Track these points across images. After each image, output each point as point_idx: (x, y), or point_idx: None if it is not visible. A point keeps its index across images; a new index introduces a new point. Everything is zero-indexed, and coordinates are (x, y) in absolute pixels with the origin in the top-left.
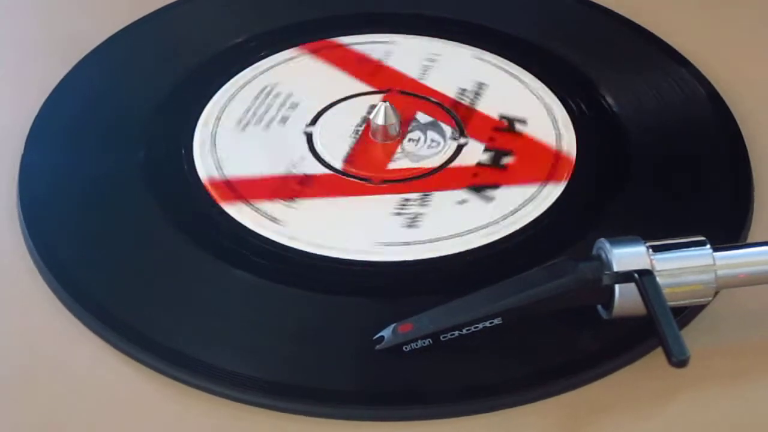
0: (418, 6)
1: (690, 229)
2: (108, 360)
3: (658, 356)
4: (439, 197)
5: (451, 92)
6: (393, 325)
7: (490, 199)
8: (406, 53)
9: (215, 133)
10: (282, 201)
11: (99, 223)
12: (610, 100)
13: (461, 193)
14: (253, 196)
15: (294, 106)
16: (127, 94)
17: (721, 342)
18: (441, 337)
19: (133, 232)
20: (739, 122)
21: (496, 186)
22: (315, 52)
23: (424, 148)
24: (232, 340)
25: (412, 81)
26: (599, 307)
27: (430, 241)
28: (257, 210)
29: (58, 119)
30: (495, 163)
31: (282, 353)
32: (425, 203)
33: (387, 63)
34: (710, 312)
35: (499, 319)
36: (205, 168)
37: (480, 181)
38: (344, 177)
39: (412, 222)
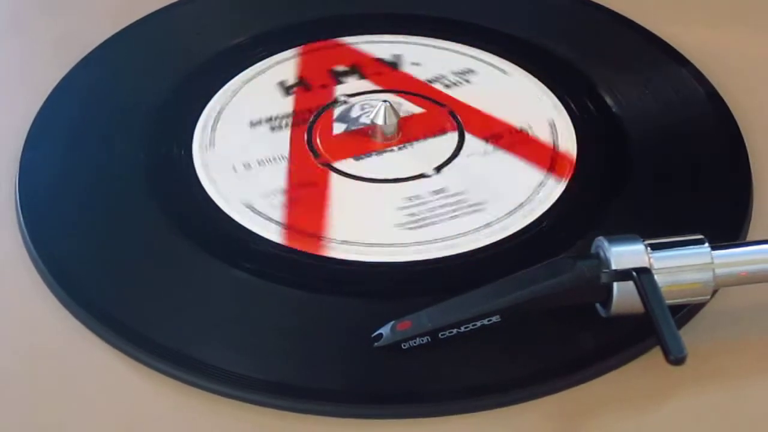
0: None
1: (689, 229)
2: (107, 359)
3: (656, 355)
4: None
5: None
6: (391, 323)
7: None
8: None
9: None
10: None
11: (98, 223)
12: (610, 100)
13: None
14: None
15: None
16: (127, 95)
17: (719, 341)
18: (439, 335)
19: (133, 231)
20: (738, 122)
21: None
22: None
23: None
24: (232, 340)
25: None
26: (598, 305)
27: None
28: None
29: (58, 119)
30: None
31: (281, 352)
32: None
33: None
34: (709, 311)
35: (498, 317)
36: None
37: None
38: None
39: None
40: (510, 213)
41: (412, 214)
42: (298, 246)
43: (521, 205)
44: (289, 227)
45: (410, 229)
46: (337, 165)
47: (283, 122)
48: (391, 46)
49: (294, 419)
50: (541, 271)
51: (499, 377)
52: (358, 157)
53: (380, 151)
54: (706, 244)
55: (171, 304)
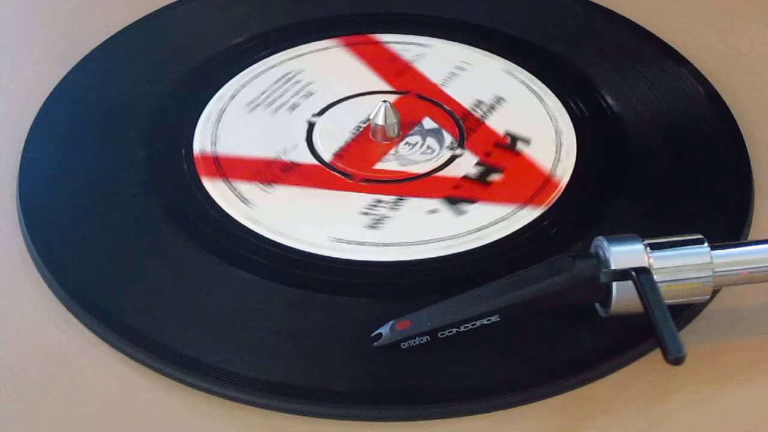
0: (457, 11)
1: (689, 229)
2: (107, 359)
3: (656, 356)
4: (411, 203)
5: (467, 102)
6: (391, 322)
7: (462, 212)
8: (438, 58)
9: (224, 109)
10: (259, 184)
11: (98, 222)
12: (610, 100)
13: (435, 203)
14: (233, 175)
15: (308, 94)
16: (127, 94)
17: (719, 341)
18: (439, 335)
19: (133, 231)
20: (739, 122)
21: (472, 201)
22: (350, 45)
23: (418, 153)
24: (233, 341)
25: (434, 86)
26: (597, 304)
27: (386, 245)
28: (233, 189)
29: (58, 119)
30: (481, 178)
31: (281, 353)
32: (396, 207)
33: (415, 65)
34: (709, 311)
35: (497, 316)
36: (200, 142)
37: (458, 194)
38: (327, 170)
39: (376, 224)
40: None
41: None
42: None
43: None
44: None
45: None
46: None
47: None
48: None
49: (293, 421)
50: (541, 270)
51: (499, 379)
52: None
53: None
54: (706, 244)
55: (171, 303)
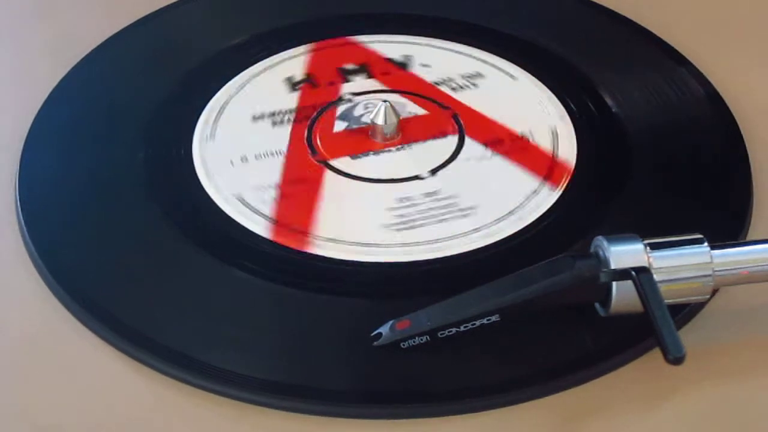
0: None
1: (690, 229)
2: (107, 359)
3: (656, 355)
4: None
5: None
6: (391, 322)
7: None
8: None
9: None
10: None
11: (98, 223)
12: (610, 100)
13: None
14: None
15: None
16: (127, 95)
17: (719, 341)
18: (438, 334)
19: (133, 231)
20: (739, 122)
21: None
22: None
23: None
24: (233, 341)
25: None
26: (597, 304)
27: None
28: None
29: (57, 119)
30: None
31: (281, 352)
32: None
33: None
34: (709, 311)
35: (497, 316)
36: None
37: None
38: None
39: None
40: (498, 219)
41: (401, 216)
42: (283, 242)
43: (512, 212)
44: (278, 222)
45: (397, 230)
46: (333, 163)
47: (286, 117)
48: (402, 46)
49: (293, 420)
50: (541, 270)
51: (499, 378)
52: (355, 155)
53: (378, 151)
54: (705, 244)
55: (171, 303)
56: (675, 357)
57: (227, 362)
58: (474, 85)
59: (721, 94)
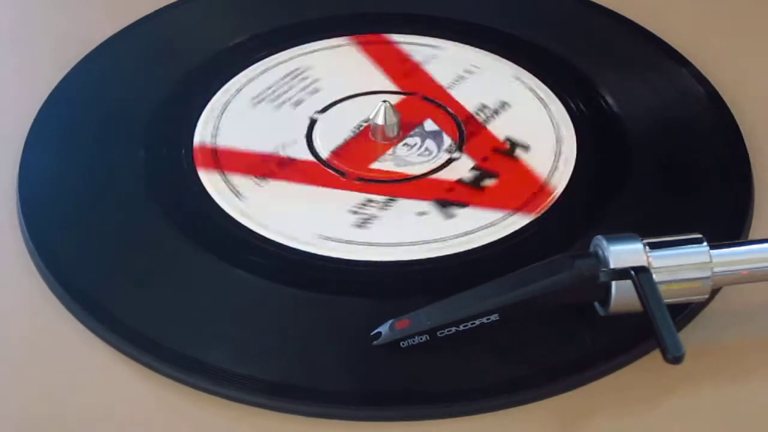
0: (468, 15)
1: (690, 229)
2: (107, 359)
3: (656, 356)
4: (402, 205)
5: (471, 106)
6: (390, 321)
7: (451, 216)
8: (448, 60)
9: (228, 102)
10: (253, 177)
11: (98, 222)
12: (610, 100)
13: (425, 205)
14: (229, 168)
15: (314, 91)
16: (127, 94)
17: (719, 340)
18: (438, 334)
19: (133, 232)
20: (739, 122)
21: (463, 205)
22: (362, 44)
23: (415, 154)
24: (233, 341)
25: (440, 89)
26: (596, 303)
27: (370, 244)
28: (227, 181)
29: (57, 119)
30: (475, 183)
31: (280, 353)
32: (386, 207)
33: (425, 67)
34: (709, 310)
35: (496, 315)
36: (201, 134)
37: (450, 197)
38: (322, 167)
39: (363, 223)
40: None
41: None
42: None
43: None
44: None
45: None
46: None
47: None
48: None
49: (293, 421)
50: (540, 269)
51: (497, 379)
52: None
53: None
54: (705, 243)
55: (171, 303)
56: (674, 356)
57: (227, 362)
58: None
59: (721, 94)
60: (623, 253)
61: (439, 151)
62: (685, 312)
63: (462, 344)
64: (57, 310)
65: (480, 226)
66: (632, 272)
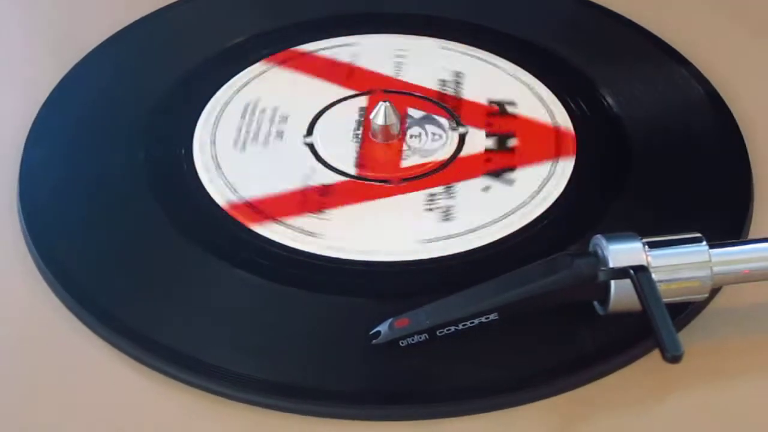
0: (469, 15)
1: (689, 228)
2: (108, 359)
3: (655, 356)
4: (462, 187)
5: (432, 85)
6: (389, 320)
7: (511, 181)
8: (373, 53)
9: (216, 155)
10: (311, 214)
11: (99, 222)
12: (610, 99)
13: (483, 180)
14: (280, 214)
15: (284, 119)
16: (127, 94)
17: (719, 340)
18: (437, 333)
19: (134, 232)
20: (738, 122)
21: (512, 168)
22: (282, 63)
23: (429, 142)
24: (233, 341)
25: (390, 79)
26: (595, 303)
27: (471, 231)
28: (290, 226)
29: (58, 119)
30: (502, 146)
31: (282, 353)
32: (451, 195)
33: (357, 64)
34: (709, 310)
35: (496, 314)
36: (220, 193)
37: (495, 166)
38: (362, 181)
39: (446, 215)
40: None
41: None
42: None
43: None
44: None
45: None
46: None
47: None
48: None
49: (294, 420)
50: (539, 268)
51: (497, 379)
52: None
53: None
54: (704, 243)
55: (171, 303)
56: (673, 355)
57: (227, 362)
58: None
59: (721, 94)
60: (622, 252)
61: (445, 132)
62: (684, 311)
63: (461, 343)
64: (57, 309)
65: (542, 183)
66: (631, 271)
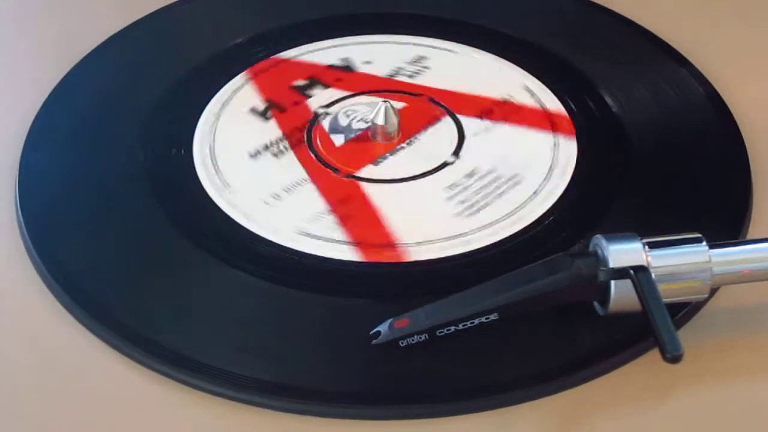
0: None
1: (689, 229)
2: (108, 361)
3: (655, 355)
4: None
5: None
6: (389, 320)
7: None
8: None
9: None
10: None
11: (98, 222)
12: (609, 100)
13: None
14: None
15: None
16: (127, 95)
17: (719, 340)
18: (437, 333)
19: (133, 231)
20: (738, 122)
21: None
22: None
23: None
24: (233, 341)
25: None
26: (595, 303)
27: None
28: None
29: (57, 119)
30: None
31: (282, 353)
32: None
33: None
34: (708, 310)
35: (496, 314)
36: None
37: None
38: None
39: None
40: (547, 178)
41: (463, 201)
42: (376, 258)
43: (552, 168)
44: (359, 243)
45: (469, 215)
46: (361, 174)
47: (281, 146)
48: (333, 51)
49: (294, 421)
50: (539, 268)
51: (498, 378)
52: (375, 161)
53: (393, 151)
54: (704, 243)
55: (171, 303)
56: (673, 355)
57: (226, 363)
58: (425, 68)
59: (721, 94)
60: (622, 253)
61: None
62: (684, 311)
63: (461, 343)
64: (57, 310)
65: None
66: (631, 271)
